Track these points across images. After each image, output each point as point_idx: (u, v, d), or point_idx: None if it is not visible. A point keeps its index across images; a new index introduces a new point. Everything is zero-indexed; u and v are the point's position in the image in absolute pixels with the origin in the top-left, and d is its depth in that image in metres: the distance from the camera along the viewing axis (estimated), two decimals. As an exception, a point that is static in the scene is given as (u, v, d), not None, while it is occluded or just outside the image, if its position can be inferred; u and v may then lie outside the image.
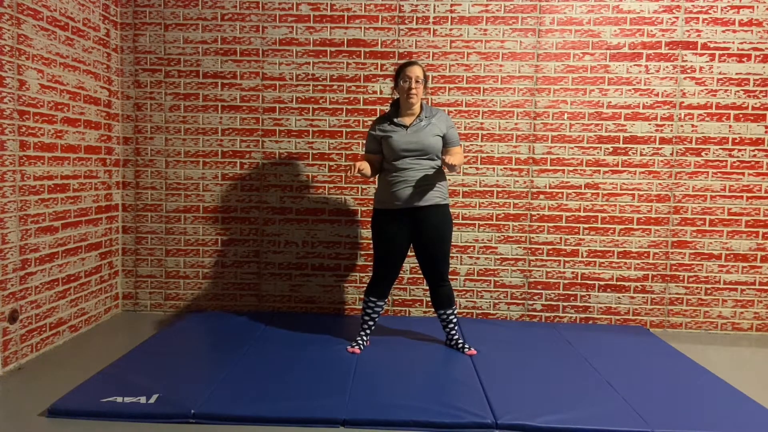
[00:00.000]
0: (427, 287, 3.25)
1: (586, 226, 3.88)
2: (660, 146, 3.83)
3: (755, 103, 3.79)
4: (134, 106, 3.97)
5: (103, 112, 3.76)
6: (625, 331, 3.74)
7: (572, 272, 3.90)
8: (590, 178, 3.86)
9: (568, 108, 3.84)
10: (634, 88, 3.82)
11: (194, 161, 3.97)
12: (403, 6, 3.85)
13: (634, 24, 3.79)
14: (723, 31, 3.77)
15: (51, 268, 3.25)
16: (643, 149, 3.83)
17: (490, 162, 3.88)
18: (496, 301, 3.95)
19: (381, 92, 3.88)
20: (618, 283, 3.89)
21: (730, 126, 3.80)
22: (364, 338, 3.25)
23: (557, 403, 2.53)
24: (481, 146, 3.88)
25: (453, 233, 3.64)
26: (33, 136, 3.07)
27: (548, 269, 3.91)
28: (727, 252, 3.84)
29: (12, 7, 2.89)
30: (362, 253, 3.96)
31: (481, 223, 3.91)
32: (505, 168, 3.89)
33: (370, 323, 3.26)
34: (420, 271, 3.22)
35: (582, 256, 3.89)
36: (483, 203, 3.91)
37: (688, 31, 3.78)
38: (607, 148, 3.85)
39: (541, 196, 3.88)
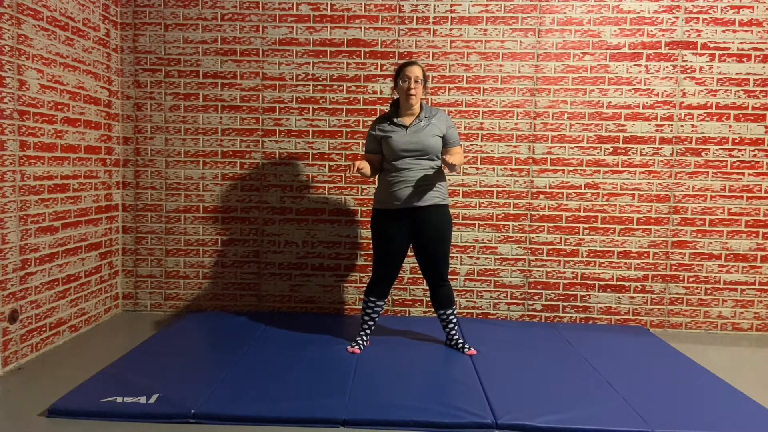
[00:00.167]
0: (427, 287, 3.25)
1: (586, 226, 3.88)
2: (660, 146, 3.83)
3: (755, 103, 3.79)
4: (134, 106, 3.97)
5: (103, 112, 3.76)
6: (625, 331, 3.74)
7: (572, 272, 3.90)
8: (590, 178, 3.86)
9: (568, 108, 3.85)
10: (634, 88, 3.82)
11: (194, 161, 3.97)
12: (403, 6, 3.85)
13: (634, 24, 3.79)
14: (723, 31, 3.77)
15: (51, 268, 3.25)
16: (643, 149, 3.83)
17: (490, 162, 3.88)
18: (496, 301, 3.95)
19: (381, 92, 3.88)
20: (618, 283, 3.89)
21: (730, 126, 3.80)
22: (364, 338, 3.25)
23: (557, 403, 2.53)
24: (481, 146, 3.88)
25: (453, 233, 3.65)
26: (33, 136, 3.07)
27: (548, 269, 3.91)
28: (727, 252, 3.84)
29: (12, 7, 2.89)
30: (362, 253, 3.96)
31: (481, 223, 3.91)
32: (505, 168, 3.89)
33: (370, 323, 3.26)
34: (420, 271, 3.22)
35: (582, 256, 3.89)
36: (483, 203, 3.91)
37: (688, 31, 3.78)
38: (607, 148, 3.85)
39: (541, 196, 3.88)
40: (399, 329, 3.60)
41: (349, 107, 3.90)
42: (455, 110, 3.87)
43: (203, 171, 3.97)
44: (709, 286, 3.86)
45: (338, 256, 3.97)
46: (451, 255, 3.76)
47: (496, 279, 3.93)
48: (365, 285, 3.67)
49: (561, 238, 3.89)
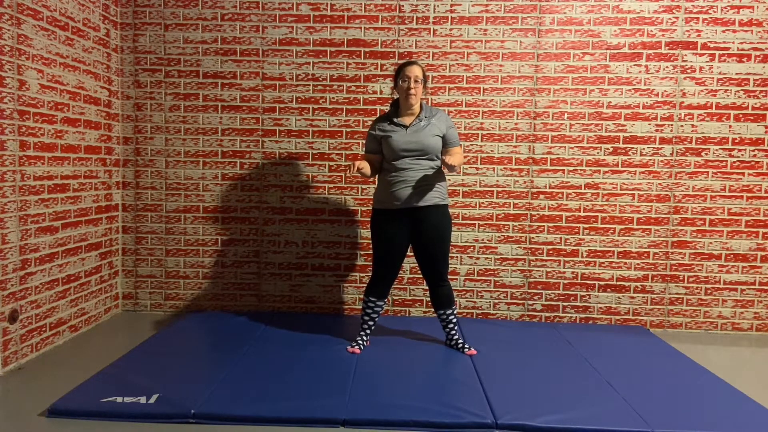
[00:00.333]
0: (427, 287, 3.25)
1: (586, 226, 3.88)
2: (660, 146, 3.83)
3: (755, 103, 3.79)
4: (134, 106, 3.97)
5: (103, 112, 3.76)
6: (625, 331, 3.74)
7: (572, 272, 3.90)
8: (590, 178, 3.86)
9: (568, 108, 3.84)
10: (634, 88, 3.82)
11: (194, 161, 3.97)
12: (403, 6, 3.85)
13: (634, 24, 3.79)
14: (723, 31, 3.77)
15: (51, 268, 3.25)
16: (643, 149, 3.83)
17: (490, 162, 3.88)
18: (496, 301, 3.95)
19: (381, 92, 3.88)
20: (618, 283, 3.89)
21: (730, 126, 3.80)
22: (364, 338, 3.25)
23: (557, 403, 2.53)
24: (481, 146, 3.88)
25: (453, 233, 3.64)
26: (33, 136, 3.07)
27: (548, 269, 3.91)
28: (727, 252, 3.84)
29: (12, 7, 2.89)
30: (362, 253, 3.96)
31: (481, 223, 3.91)
32: (505, 168, 3.89)
33: (370, 323, 3.26)
34: (420, 271, 3.22)
35: (582, 256, 3.89)
36: (483, 203, 3.91)
37: (688, 31, 3.78)
38: (607, 148, 3.85)
39: (541, 196, 3.88)
40: (399, 329, 3.60)
41: (349, 107, 3.90)
42: (455, 110, 3.87)
43: (203, 171, 3.97)
44: (709, 286, 3.86)
45: (338, 256, 3.97)
46: (451, 255, 3.77)
47: (496, 279, 3.93)
48: (365, 285, 3.67)
49: (561, 238, 3.89)
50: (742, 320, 3.86)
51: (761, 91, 3.78)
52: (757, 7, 3.74)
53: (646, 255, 3.87)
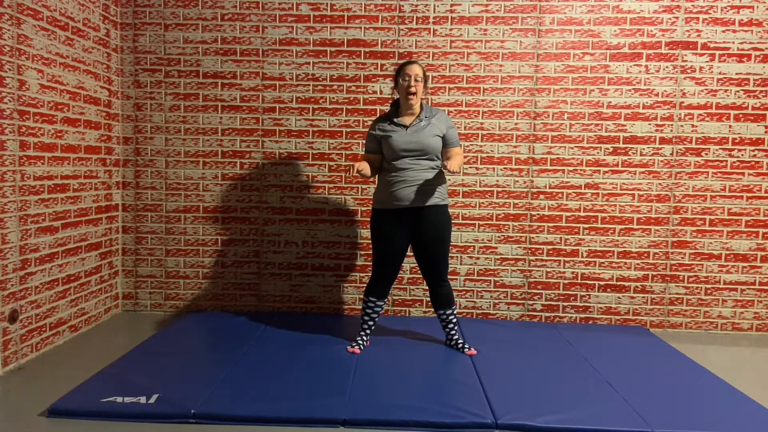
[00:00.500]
0: (427, 287, 3.25)
1: (586, 226, 3.88)
2: (660, 146, 3.83)
3: (755, 103, 3.79)
4: (134, 106, 3.97)
5: (103, 112, 3.76)
6: (625, 331, 3.74)
7: (572, 272, 3.90)
8: (590, 178, 3.86)
9: (568, 108, 3.85)
10: (634, 88, 3.82)
11: (194, 161, 3.97)
12: (403, 6, 3.85)
13: (634, 24, 3.79)
14: (723, 31, 3.77)
15: (51, 268, 3.25)
16: (643, 149, 3.83)
17: (490, 162, 3.88)
18: (496, 301, 3.95)
19: (381, 92, 3.88)
20: (618, 283, 3.89)
21: (730, 126, 3.80)
22: (364, 338, 3.25)
23: (557, 403, 2.53)
24: (481, 146, 3.88)
25: (453, 233, 3.64)
26: (33, 136, 3.07)
27: (548, 269, 3.91)
28: (727, 252, 3.84)
29: (12, 7, 2.89)
30: (362, 253, 3.96)
31: (481, 223, 3.91)
32: (505, 168, 3.89)
33: (370, 323, 3.26)
34: (420, 271, 3.22)
35: (582, 256, 3.89)
36: (483, 203, 3.91)
37: (688, 31, 3.78)
38: (607, 148, 3.85)
39: (541, 196, 3.88)
40: (399, 329, 3.60)
41: (349, 107, 3.90)
42: (455, 110, 3.87)
43: (203, 171, 3.97)
44: (709, 286, 3.86)
45: (338, 256, 3.97)
46: (451, 255, 3.77)
47: (496, 279, 3.93)
48: (365, 285, 3.67)
49: (561, 238, 3.89)
50: (742, 320, 3.86)
51: (761, 91, 3.78)
52: (757, 7, 3.74)
53: (646, 255, 3.87)
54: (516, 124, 3.87)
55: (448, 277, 3.23)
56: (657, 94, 3.81)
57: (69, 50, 3.37)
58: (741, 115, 3.80)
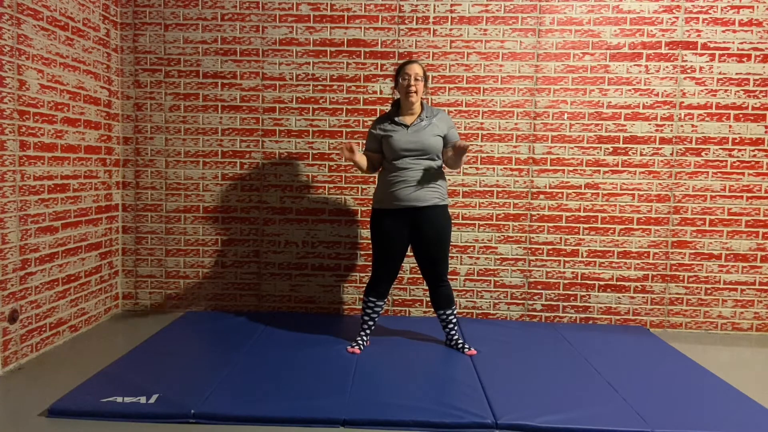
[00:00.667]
0: (427, 287, 3.25)
1: (586, 226, 3.88)
2: (660, 146, 3.83)
3: (755, 103, 3.79)
4: (134, 106, 3.97)
5: (103, 112, 3.76)
6: (625, 331, 3.74)
7: (572, 272, 3.90)
8: (590, 178, 3.86)
9: (568, 108, 3.85)
10: (634, 88, 3.82)
11: (194, 161, 3.97)
12: (403, 6, 3.85)
13: (634, 24, 3.79)
14: (723, 31, 3.77)
15: (51, 268, 3.25)
16: (643, 149, 3.83)
17: (490, 162, 3.88)
18: (496, 301, 3.94)
19: (381, 92, 3.88)
20: (618, 283, 3.89)
21: (730, 126, 3.80)
22: (364, 338, 3.25)
23: (557, 403, 2.53)
24: (481, 146, 3.88)
25: (453, 233, 3.64)
26: (33, 136, 3.07)
27: (548, 269, 3.91)
28: (727, 252, 3.84)
29: (12, 7, 2.89)
30: (362, 253, 3.96)
31: (481, 223, 3.91)
32: (505, 168, 3.89)
33: (370, 323, 3.26)
34: (420, 271, 3.22)
35: (582, 256, 3.89)
36: (483, 203, 3.91)
37: (688, 31, 3.78)
38: (607, 148, 3.85)
39: (541, 196, 3.88)
40: (399, 329, 3.60)
41: (349, 107, 3.90)
42: (455, 110, 3.87)
43: (203, 171, 3.97)
44: (709, 286, 3.86)
45: (338, 256, 3.97)
46: (451, 255, 3.77)
47: (496, 279, 3.93)
48: (365, 285, 3.67)
49: (561, 238, 3.89)
50: (742, 320, 3.86)
51: (761, 91, 3.78)
52: (757, 7, 3.74)
53: (646, 255, 3.87)
54: (516, 124, 3.87)
55: (448, 277, 3.23)
56: (657, 94, 3.81)
57: (69, 50, 3.37)
58: (741, 115, 3.80)
